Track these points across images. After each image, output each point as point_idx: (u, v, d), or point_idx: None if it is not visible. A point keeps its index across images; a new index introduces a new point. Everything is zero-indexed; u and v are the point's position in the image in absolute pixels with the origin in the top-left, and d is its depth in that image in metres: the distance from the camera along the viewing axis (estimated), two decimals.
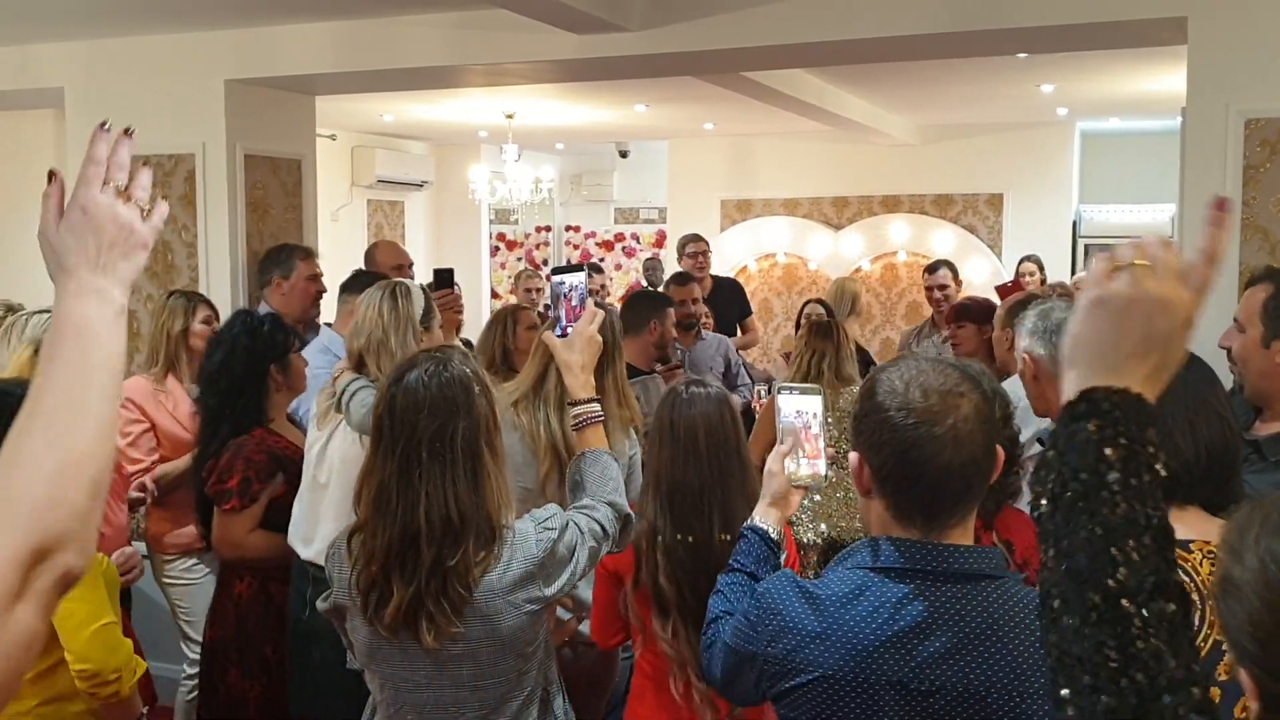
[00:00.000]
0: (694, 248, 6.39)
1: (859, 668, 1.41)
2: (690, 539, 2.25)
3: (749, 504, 2.21)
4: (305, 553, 2.89)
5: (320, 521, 2.87)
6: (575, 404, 2.17)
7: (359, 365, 2.87)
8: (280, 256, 4.35)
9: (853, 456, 1.52)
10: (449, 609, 1.82)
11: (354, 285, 4.06)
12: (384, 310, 2.86)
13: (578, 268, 2.41)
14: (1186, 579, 1.53)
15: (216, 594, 3.21)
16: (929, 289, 5.81)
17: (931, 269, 5.92)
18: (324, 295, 4.37)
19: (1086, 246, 8.89)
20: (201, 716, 3.23)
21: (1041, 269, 7.31)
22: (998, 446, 1.49)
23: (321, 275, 4.37)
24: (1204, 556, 1.58)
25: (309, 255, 4.38)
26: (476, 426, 1.87)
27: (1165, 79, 5.85)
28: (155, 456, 3.58)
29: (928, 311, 8.87)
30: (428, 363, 1.90)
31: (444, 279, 4.16)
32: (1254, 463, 2.10)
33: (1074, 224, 8.92)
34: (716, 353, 5.25)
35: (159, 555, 3.66)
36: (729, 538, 2.20)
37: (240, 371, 3.11)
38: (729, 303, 6.25)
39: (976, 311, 4.21)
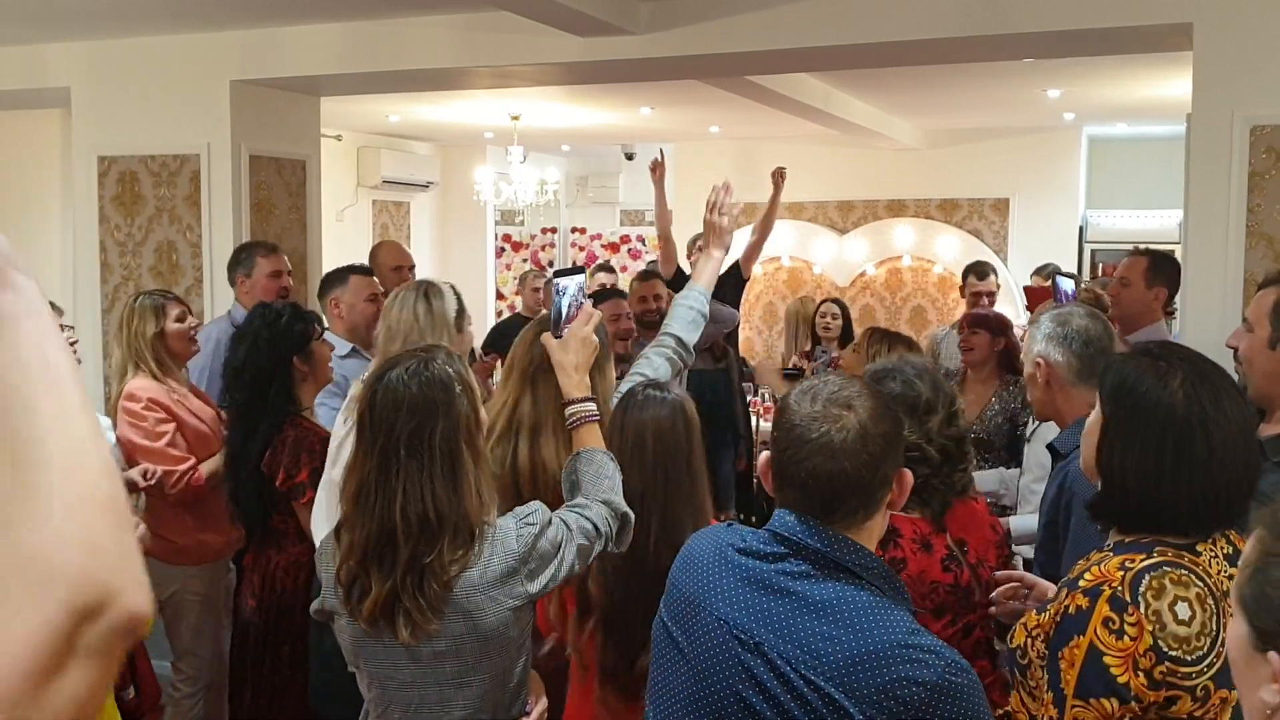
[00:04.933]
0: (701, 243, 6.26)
1: (705, 596, 1.54)
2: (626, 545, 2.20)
3: (695, 515, 2.20)
4: None
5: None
6: (569, 403, 2.17)
7: None
8: (241, 255, 4.25)
9: (763, 455, 1.60)
10: (425, 606, 1.84)
11: (333, 283, 3.97)
12: (419, 312, 2.84)
13: (578, 270, 2.41)
14: (1200, 584, 1.52)
15: (261, 574, 3.21)
16: (976, 294, 5.43)
17: (981, 274, 5.53)
18: (290, 292, 4.19)
19: (1093, 252, 8.87)
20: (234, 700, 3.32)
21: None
22: (902, 469, 1.54)
23: (286, 271, 4.21)
24: (1213, 557, 1.56)
25: (271, 251, 4.24)
26: (456, 426, 1.88)
27: (1173, 84, 5.84)
28: (191, 458, 3.49)
29: (933, 316, 8.94)
30: (410, 361, 1.92)
31: None
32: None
33: (1080, 229, 8.90)
34: None
35: (184, 567, 3.51)
36: (666, 556, 2.19)
37: (265, 364, 3.12)
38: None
39: (994, 322, 4.17)
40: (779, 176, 5.61)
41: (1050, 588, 1.92)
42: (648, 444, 2.23)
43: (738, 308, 5.57)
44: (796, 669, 1.44)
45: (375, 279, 4.12)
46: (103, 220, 5.00)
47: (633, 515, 2.08)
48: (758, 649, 1.47)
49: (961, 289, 5.68)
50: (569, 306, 2.29)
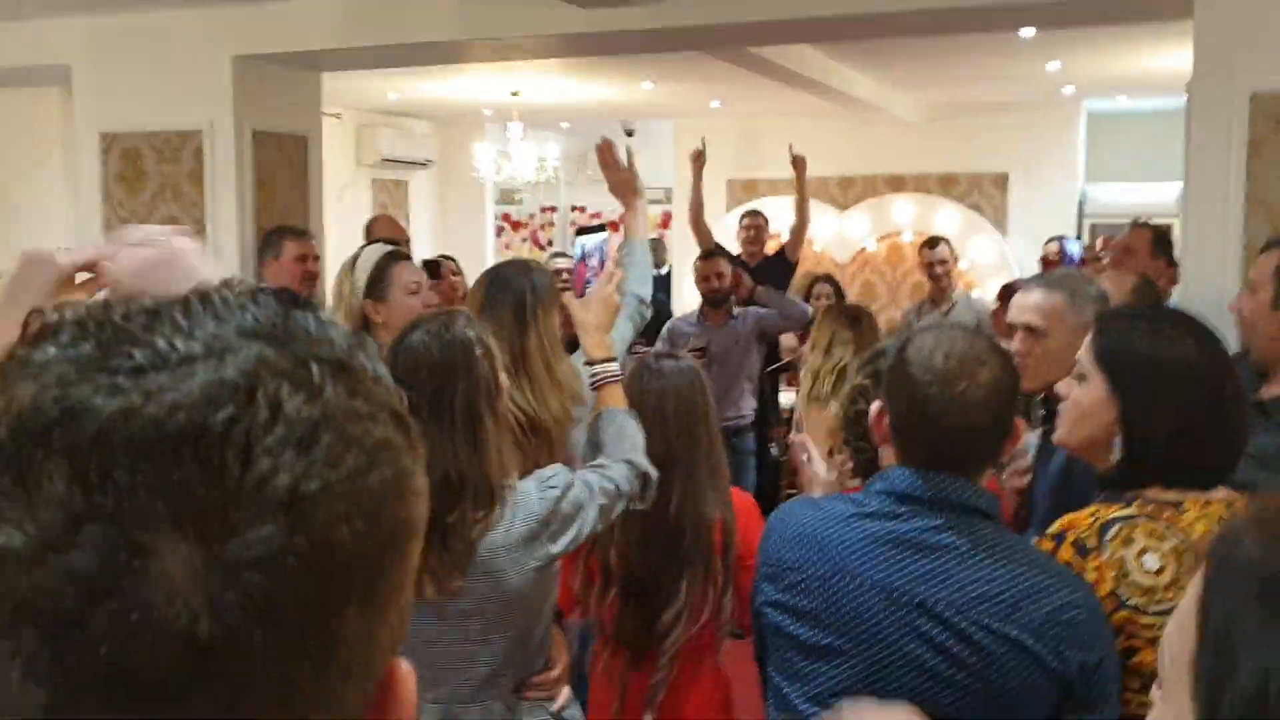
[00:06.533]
0: (747, 220, 6.06)
1: (849, 565, 1.53)
2: (645, 509, 2.20)
3: (713, 478, 2.26)
4: None
5: None
6: (591, 363, 2.20)
7: None
8: (271, 238, 4.29)
9: (874, 405, 1.61)
10: (450, 562, 1.87)
11: None
12: (335, 285, 3.01)
13: (599, 228, 2.41)
14: (1177, 539, 1.50)
15: None
16: (929, 265, 5.83)
17: (931, 244, 5.93)
18: (316, 277, 4.22)
19: (1092, 226, 8.88)
20: None
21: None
22: (1016, 418, 1.57)
23: (313, 256, 4.22)
24: (1200, 518, 1.52)
25: (299, 235, 4.26)
26: (476, 388, 1.90)
27: (1173, 56, 5.84)
28: None
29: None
30: (431, 324, 1.95)
31: (430, 269, 4.23)
32: (1259, 424, 2.11)
33: (1080, 203, 8.91)
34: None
35: None
36: (687, 517, 2.22)
37: None
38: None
39: None
40: (799, 163, 5.76)
41: None
42: (669, 409, 2.26)
43: (785, 290, 5.44)
44: (968, 618, 1.45)
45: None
46: (106, 197, 5.01)
47: (655, 473, 2.10)
48: (922, 607, 1.47)
49: (921, 263, 6.06)
50: (594, 264, 2.31)
